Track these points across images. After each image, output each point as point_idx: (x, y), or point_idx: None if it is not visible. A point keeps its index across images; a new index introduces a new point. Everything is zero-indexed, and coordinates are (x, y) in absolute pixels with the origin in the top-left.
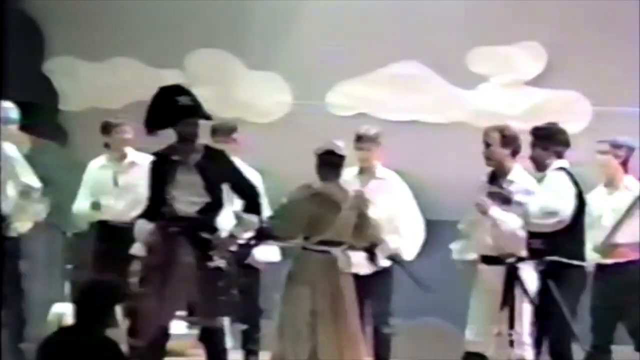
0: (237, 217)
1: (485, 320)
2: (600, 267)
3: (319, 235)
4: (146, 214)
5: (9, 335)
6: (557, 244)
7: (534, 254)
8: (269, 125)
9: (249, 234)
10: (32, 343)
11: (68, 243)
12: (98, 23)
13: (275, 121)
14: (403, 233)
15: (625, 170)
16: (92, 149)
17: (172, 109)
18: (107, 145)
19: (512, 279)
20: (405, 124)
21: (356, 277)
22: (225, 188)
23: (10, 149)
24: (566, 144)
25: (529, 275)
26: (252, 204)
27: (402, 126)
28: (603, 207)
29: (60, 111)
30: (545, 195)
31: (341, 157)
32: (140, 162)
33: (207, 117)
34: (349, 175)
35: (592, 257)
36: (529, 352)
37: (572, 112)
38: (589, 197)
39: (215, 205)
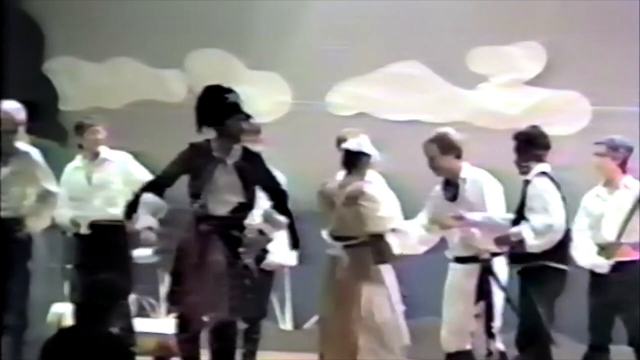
0: (268, 216)
1: (461, 318)
2: (596, 275)
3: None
4: (151, 188)
5: (11, 336)
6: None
7: (516, 258)
8: (269, 125)
9: (278, 233)
10: (33, 343)
11: (67, 243)
12: (99, 23)
13: (276, 121)
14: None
15: (624, 171)
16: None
17: (221, 105)
18: (80, 146)
19: (486, 273)
20: (405, 124)
21: None
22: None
23: (34, 152)
24: (547, 147)
25: (501, 268)
26: (281, 206)
27: (402, 126)
28: (604, 206)
29: (60, 111)
30: (534, 212)
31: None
32: (113, 158)
33: (250, 117)
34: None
35: (594, 263)
36: (501, 344)
37: (571, 111)
38: (586, 198)
39: (247, 206)
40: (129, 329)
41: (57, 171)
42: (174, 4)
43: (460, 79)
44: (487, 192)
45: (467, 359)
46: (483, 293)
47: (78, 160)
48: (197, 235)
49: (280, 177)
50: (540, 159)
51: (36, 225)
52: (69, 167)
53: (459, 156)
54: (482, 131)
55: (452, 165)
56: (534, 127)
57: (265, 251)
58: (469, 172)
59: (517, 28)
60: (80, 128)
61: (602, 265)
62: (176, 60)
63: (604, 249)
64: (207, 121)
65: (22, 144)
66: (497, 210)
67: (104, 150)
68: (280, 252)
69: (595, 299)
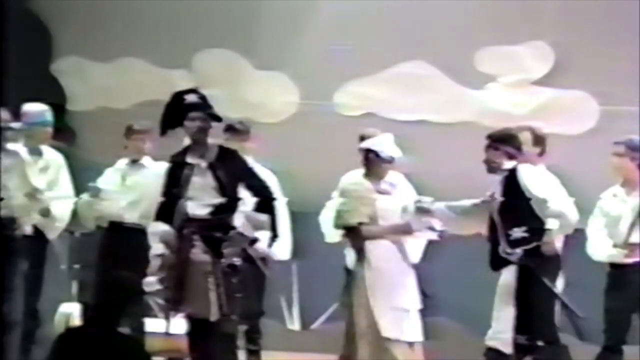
0: (247, 217)
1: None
2: (614, 267)
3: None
4: (159, 216)
5: (20, 335)
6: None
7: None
8: (277, 125)
9: (262, 232)
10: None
11: (75, 243)
12: (106, 23)
13: (283, 121)
14: None
15: None
16: (100, 149)
17: (179, 107)
18: (125, 147)
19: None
20: (413, 124)
21: None
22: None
23: (22, 151)
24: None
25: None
26: (264, 203)
27: (409, 126)
28: (622, 207)
29: (68, 111)
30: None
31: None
32: (151, 166)
33: (216, 117)
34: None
35: (610, 254)
36: None
37: (579, 111)
38: (603, 197)
39: (228, 206)
40: (140, 330)
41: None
42: (182, 4)
43: (467, 79)
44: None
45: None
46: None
47: (121, 162)
48: (180, 238)
49: (269, 176)
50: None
51: (27, 222)
52: (110, 169)
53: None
54: (489, 131)
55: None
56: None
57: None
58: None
59: (525, 28)
60: (129, 131)
61: (619, 254)
62: (184, 60)
63: (618, 248)
64: (168, 124)
65: (11, 144)
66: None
67: (146, 160)
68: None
69: (613, 297)
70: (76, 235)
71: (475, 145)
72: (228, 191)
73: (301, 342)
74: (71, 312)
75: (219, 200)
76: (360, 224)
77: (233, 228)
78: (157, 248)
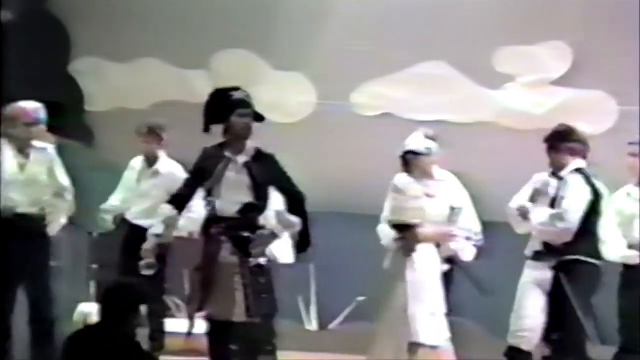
0: (279, 215)
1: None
2: (628, 268)
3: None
4: (174, 201)
5: (38, 333)
6: (572, 241)
7: (549, 251)
8: (294, 125)
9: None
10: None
11: (94, 243)
12: (124, 24)
13: (300, 121)
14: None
15: None
16: (118, 150)
17: (225, 102)
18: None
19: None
20: (431, 124)
21: None
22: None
23: (51, 149)
24: (581, 142)
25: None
26: (296, 207)
27: (427, 126)
28: (635, 206)
29: (86, 112)
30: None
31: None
32: (164, 171)
33: (260, 117)
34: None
35: (624, 255)
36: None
37: (598, 111)
38: (616, 196)
39: (257, 206)
40: (160, 330)
41: (82, 172)
42: (199, 5)
43: (486, 79)
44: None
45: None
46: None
47: (138, 162)
48: (207, 238)
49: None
50: (574, 154)
51: (55, 221)
52: (129, 165)
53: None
54: (508, 131)
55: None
56: (563, 124)
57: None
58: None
59: (543, 28)
60: (144, 129)
61: (634, 256)
62: (201, 60)
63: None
64: (213, 119)
65: (38, 142)
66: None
67: (163, 159)
68: (278, 251)
69: (627, 297)
70: (94, 235)
71: (493, 145)
72: (260, 192)
73: (319, 342)
74: (90, 312)
75: (250, 199)
76: (414, 225)
77: (261, 228)
78: (156, 228)
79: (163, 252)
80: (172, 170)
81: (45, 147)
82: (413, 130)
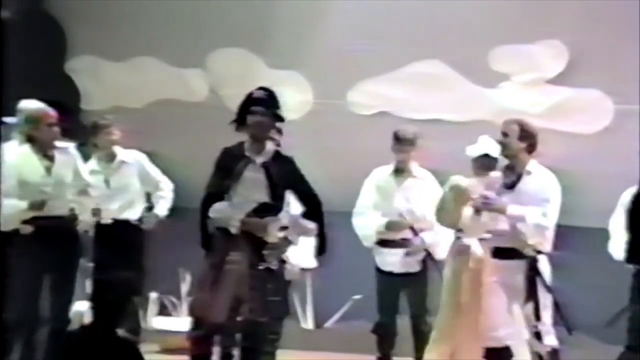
0: (293, 220)
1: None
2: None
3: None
4: (210, 201)
5: (49, 332)
6: None
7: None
8: (290, 123)
9: (305, 239)
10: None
11: (89, 241)
12: (120, 23)
13: (297, 120)
14: (438, 230)
15: None
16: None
17: (245, 101)
18: (95, 146)
19: (533, 272)
20: (427, 123)
21: (396, 275)
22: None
23: (72, 148)
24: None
25: (545, 267)
26: (312, 212)
27: (424, 125)
28: None
29: (82, 110)
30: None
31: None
32: (129, 160)
33: (279, 117)
34: (384, 173)
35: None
36: (554, 340)
37: (594, 110)
38: (625, 195)
39: (272, 207)
40: (136, 330)
41: None
42: (196, 3)
43: (482, 78)
44: (549, 194)
45: (506, 355)
46: (530, 293)
47: (94, 163)
48: (222, 235)
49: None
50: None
51: (83, 220)
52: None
53: (531, 149)
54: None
55: (522, 154)
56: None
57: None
58: (536, 168)
59: (540, 27)
60: (95, 128)
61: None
62: (198, 59)
63: None
64: (240, 120)
65: (60, 142)
66: (552, 215)
67: (120, 152)
68: (299, 256)
69: (635, 300)
70: (90, 233)
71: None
72: (276, 192)
73: (315, 340)
74: (85, 310)
75: (265, 198)
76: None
77: (279, 230)
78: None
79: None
80: (134, 156)
81: (67, 147)
82: None
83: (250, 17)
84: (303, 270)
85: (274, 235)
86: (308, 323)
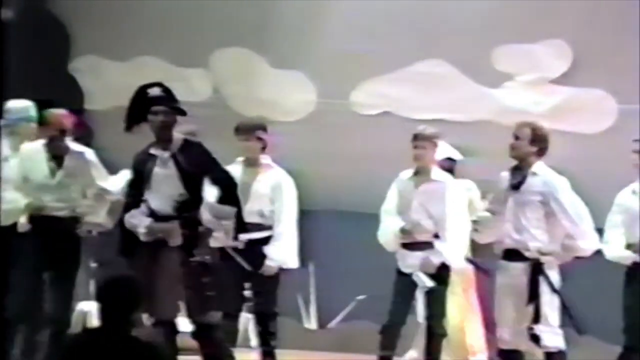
0: (210, 208)
1: (516, 319)
2: (634, 266)
3: None
4: (127, 210)
5: (50, 332)
6: None
7: None
8: (294, 123)
9: (228, 224)
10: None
11: (92, 241)
12: (123, 23)
13: (300, 120)
14: (448, 238)
15: None
16: (117, 148)
17: (143, 101)
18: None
19: (537, 274)
20: (430, 123)
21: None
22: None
23: (88, 152)
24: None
25: (552, 270)
26: (228, 195)
27: (427, 125)
28: None
29: (85, 110)
30: None
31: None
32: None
33: (181, 111)
34: (405, 176)
35: (621, 256)
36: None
37: (597, 110)
38: (621, 195)
39: (192, 201)
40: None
41: None
42: (199, 3)
43: (485, 78)
44: (559, 194)
45: (517, 357)
46: (533, 294)
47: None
48: (148, 240)
49: (284, 175)
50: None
51: (94, 222)
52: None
53: (542, 152)
54: (507, 130)
55: (532, 157)
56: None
57: (262, 256)
58: (542, 169)
59: (543, 26)
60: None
61: (628, 257)
62: (201, 59)
63: (631, 250)
64: (134, 119)
65: (75, 145)
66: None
67: (70, 143)
68: (278, 256)
69: (631, 295)
70: (93, 233)
71: (493, 143)
72: (191, 181)
73: (318, 341)
74: (89, 310)
75: (181, 191)
76: None
77: (200, 224)
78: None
79: None
80: (81, 150)
81: (83, 152)
82: (412, 128)
83: (254, 17)
84: (282, 270)
85: (179, 237)
86: (312, 323)
